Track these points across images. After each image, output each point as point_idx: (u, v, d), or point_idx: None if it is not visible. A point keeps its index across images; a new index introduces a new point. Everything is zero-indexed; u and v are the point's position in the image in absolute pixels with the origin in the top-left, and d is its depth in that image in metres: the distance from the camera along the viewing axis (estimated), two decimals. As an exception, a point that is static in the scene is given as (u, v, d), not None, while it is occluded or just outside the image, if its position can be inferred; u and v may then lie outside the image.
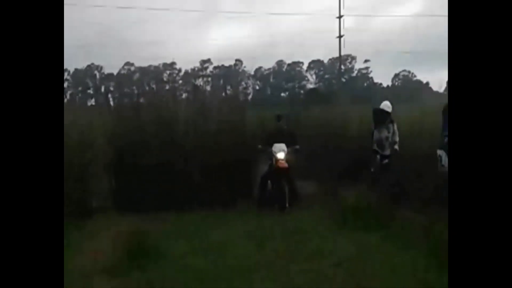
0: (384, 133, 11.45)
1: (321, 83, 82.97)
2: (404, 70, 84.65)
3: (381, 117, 11.50)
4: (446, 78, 9.85)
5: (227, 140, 11.24)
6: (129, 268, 6.65)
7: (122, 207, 10.52)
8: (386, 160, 11.46)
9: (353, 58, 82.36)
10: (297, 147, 11.11)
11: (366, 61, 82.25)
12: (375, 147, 11.55)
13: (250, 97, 74.54)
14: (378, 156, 11.46)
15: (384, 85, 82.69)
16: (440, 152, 10.01)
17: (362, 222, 8.76)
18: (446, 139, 9.92)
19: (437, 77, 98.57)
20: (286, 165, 10.68)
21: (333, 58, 75.65)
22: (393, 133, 11.48)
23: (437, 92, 34.35)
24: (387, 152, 11.48)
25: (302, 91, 75.77)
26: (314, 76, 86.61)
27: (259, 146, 11.10)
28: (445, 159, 10.00)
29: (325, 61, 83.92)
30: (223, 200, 10.61)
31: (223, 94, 19.44)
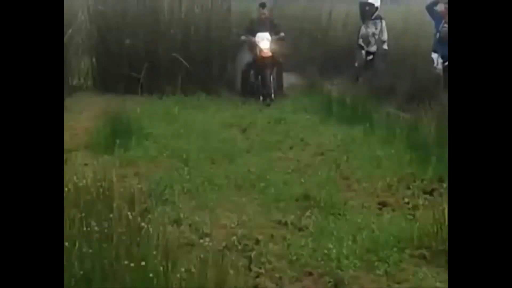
0: (371, 29, 11.26)
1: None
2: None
3: (368, 12, 11.26)
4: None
5: (211, 30, 11.00)
6: (112, 146, 6.55)
7: (102, 87, 10.38)
8: (371, 57, 11.35)
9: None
10: (282, 34, 10.73)
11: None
12: (360, 42, 11.38)
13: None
14: (363, 52, 11.34)
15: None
16: (433, 55, 9.99)
17: (346, 115, 8.73)
18: (438, 36, 9.91)
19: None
20: (269, 53, 10.36)
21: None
22: (381, 30, 11.30)
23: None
24: (373, 48, 11.32)
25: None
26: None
27: (242, 37, 10.76)
28: (437, 61, 9.98)
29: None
30: (206, 87, 10.45)
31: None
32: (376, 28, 11.28)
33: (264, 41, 10.42)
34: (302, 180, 5.81)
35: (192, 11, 11.06)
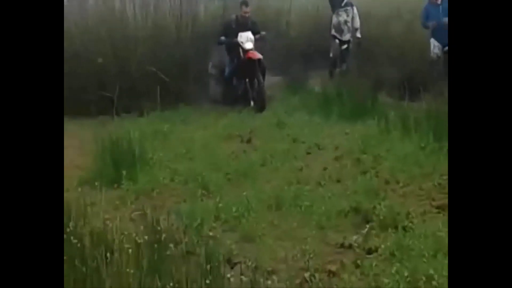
0: (343, 17, 10.87)
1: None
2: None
3: (338, 0, 10.86)
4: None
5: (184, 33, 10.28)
6: (117, 178, 5.80)
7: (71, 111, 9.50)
8: (346, 46, 10.96)
9: None
10: (263, 33, 9.93)
11: None
12: (333, 32, 10.96)
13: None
14: (337, 41, 10.91)
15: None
16: (432, 40, 9.62)
17: (347, 111, 8.24)
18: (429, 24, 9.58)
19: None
20: (258, 55, 9.44)
21: None
22: (353, 17, 10.90)
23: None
24: (347, 37, 10.93)
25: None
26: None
27: (222, 38, 9.80)
28: (433, 48, 9.61)
29: None
30: (185, 99, 9.69)
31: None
32: (348, 16, 10.88)
33: (248, 42, 9.56)
34: (346, 192, 5.23)
35: (161, 19, 10.31)
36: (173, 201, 5.42)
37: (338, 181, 5.66)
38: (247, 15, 9.90)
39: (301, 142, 7.10)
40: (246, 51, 9.49)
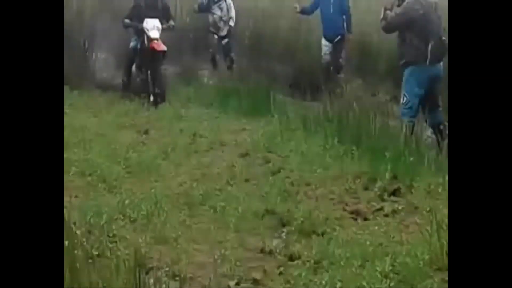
0: (217, 14, 10.68)
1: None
2: None
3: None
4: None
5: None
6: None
7: None
8: (226, 40, 10.77)
9: None
10: (172, 23, 9.15)
11: None
12: (211, 29, 10.81)
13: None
14: (215, 37, 10.68)
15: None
16: (322, 41, 9.66)
17: (244, 106, 8.07)
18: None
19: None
20: (163, 47, 8.67)
21: None
22: (228, 9, 10.73)
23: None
24: (224, 32, 10.79)
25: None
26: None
27: (126, 21, 8.88)
28: (324, 50, 9.65)
29: None
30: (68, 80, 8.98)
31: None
32: (221, 11, 10.71)
33: (154, 31, 8.68)
34: (260, 193, 5.04)
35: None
36: (70, 195, 4.94)
37: (247, 180, 5.45)
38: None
39: (201, 137, 6.81)
40: (150, 39, 8.67)
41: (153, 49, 8.64)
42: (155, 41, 8.65)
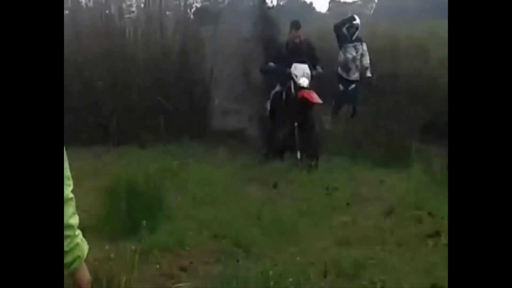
0: (351, 54, 9.80)
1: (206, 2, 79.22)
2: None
3: (346, 34, 9.77)
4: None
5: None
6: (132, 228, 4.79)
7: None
8: (353, 85, 9.76)
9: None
10: (320, 70, 7.93)
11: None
12: (339, 70, 9.83)
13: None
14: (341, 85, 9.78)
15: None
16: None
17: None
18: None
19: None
20: (317, 99, 7.41)
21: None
22: (362, 55, 9.84)
23: (320, 13, 31.20)
24: (355, 76, 9.80)
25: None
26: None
27: (270, 64, 7.80)
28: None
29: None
30: (192, 131, 8.62)
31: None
32: (357, 52, 9.84)
33: (304, 78, 7.56)
34: (421, 263, 4.31)
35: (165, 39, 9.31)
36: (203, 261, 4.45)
37: (400, 245, 4.74)
38: (297, 40, 7.98)
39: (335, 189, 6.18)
40: (299, 88, 7.53)
41: (304, 99, 7.44)
42: (306, 91, 7.50)
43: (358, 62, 9.77)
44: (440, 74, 9.15)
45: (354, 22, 9.81)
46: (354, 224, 5.27)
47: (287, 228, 5.10)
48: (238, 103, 9.18)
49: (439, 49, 9.55)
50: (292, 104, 7.52)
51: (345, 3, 32.37)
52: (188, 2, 9.81)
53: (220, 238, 4.84)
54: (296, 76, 7.55)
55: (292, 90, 7.58)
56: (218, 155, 7.82)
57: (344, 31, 9.83)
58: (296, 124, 7.45)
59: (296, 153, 7.38)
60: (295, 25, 8.05)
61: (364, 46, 9.80)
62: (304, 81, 7.53)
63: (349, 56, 9.72)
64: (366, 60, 9.75)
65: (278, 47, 8.05)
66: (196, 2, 10.53)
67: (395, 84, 9.77)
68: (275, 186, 6.43)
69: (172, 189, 5.92)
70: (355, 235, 4.96)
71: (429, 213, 5.36)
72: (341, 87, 9.80)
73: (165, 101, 8.63)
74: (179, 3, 9.61)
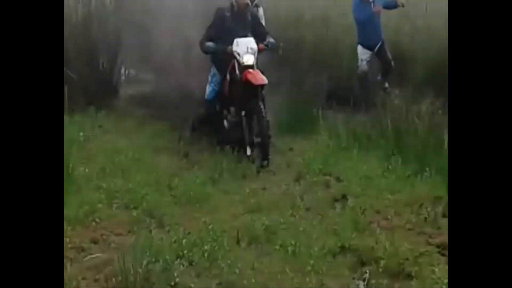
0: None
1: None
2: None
3: None
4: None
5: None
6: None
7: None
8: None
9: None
10: (272, 40, 6.57)
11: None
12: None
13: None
14: None
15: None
16: (359, 48, 8.88)
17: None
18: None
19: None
20: (263, 79, 6.17)
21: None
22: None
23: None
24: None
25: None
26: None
27: (209, 44, 6.42)
28: (360, 61, 8.89)
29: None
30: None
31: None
32: None
33: (248, 55, 6.25)
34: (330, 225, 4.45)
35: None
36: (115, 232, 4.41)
37: (308, 209, 4.87)
38: (243, 3, 6.48)
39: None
40: (243, 67, 6.26)
41: (248, 82, 6.18)
42: (250, 71, 6.21)
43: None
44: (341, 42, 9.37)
45: None
46: (265, 191, 5.35)
47: (199, 197, 5.11)
48: (150, 73, 8.94)
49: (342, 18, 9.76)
50: (237, 88, 6.35)
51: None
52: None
53: (131, 209, 4.78)
54: (239, 54, 6.27)
55: (237, 71, 6.32)
56: (126, 125, 7.64)
57: None
58: (243, 113, 6.35)
59: (246, 149, 6.29)
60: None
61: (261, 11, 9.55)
62: (248, 59, 6.22)
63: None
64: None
65: (220, 13, 6.51)
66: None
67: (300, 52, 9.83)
68: (186, 155, 6.38)
69: (77, 160, 5.76)
70: (265, 201, 5.05)
71: (337, 178, 5.54)
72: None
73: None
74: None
